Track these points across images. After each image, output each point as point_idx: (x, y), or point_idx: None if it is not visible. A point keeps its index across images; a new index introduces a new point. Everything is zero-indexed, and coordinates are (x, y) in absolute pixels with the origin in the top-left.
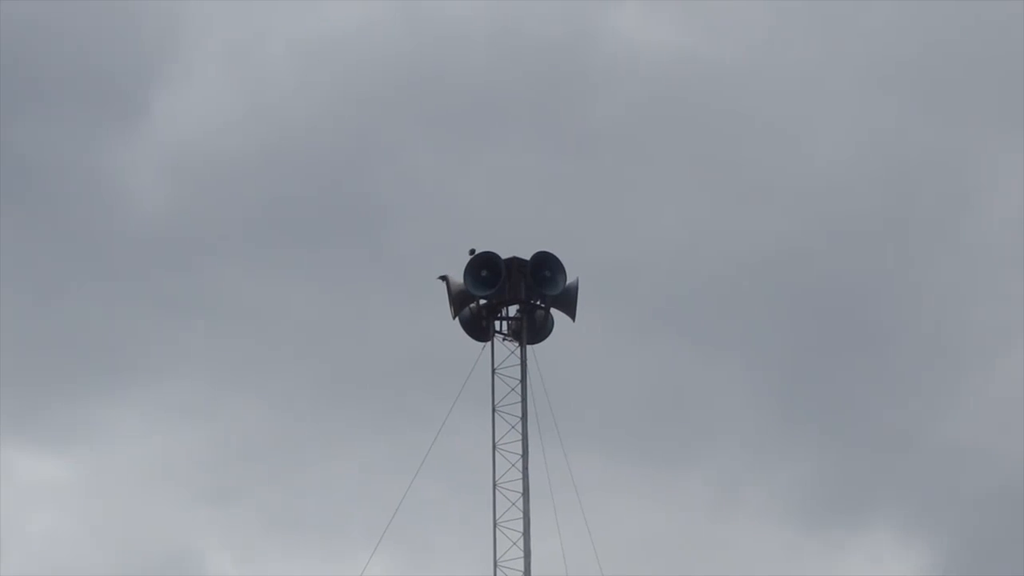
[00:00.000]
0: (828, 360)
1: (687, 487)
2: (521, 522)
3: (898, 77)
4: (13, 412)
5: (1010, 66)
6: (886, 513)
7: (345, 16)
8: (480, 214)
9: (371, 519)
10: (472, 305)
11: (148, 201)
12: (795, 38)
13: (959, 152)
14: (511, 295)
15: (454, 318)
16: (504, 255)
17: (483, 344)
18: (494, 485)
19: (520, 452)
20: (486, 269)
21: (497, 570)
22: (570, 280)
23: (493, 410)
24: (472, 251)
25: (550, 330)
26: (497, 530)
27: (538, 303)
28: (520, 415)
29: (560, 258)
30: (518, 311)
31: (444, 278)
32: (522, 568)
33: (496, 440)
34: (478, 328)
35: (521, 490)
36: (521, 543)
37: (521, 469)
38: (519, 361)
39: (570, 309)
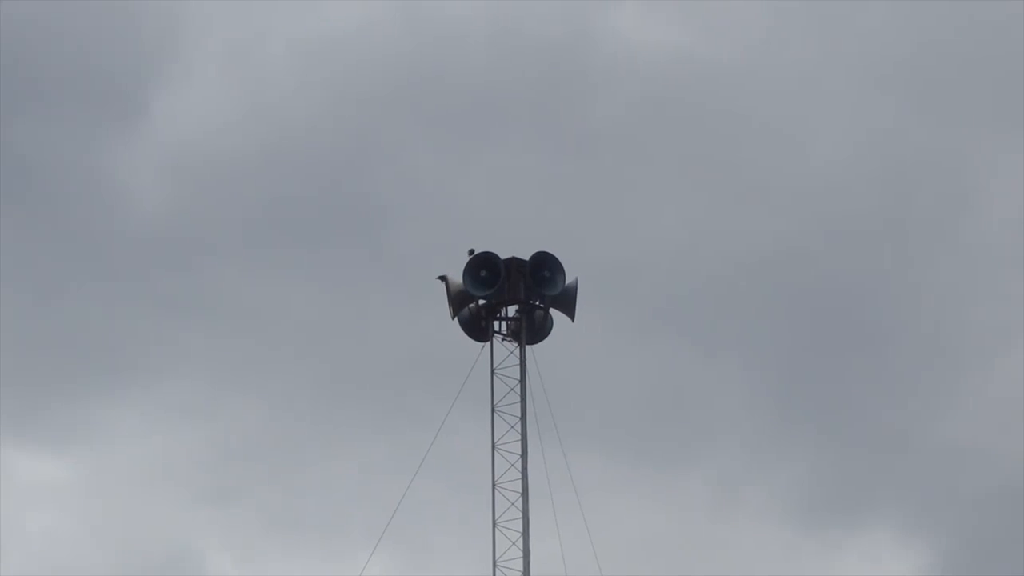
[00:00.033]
0: (827, 360)
1: (686, 487)
2: (520, 522)
3: (896, 77)
4: (13, 412)
5: (1008, 66)
6: (885, 513)
7: (345, 16)
8: (479, 214)
9: (371, 519)
10: (471, 305)
11: (148, 201)
12: (793, 38)
13: (957, 152)
14: (510, 295)
15: (453, 318)
16: (503, 255)
17: (482, 344)
18: (493, 485)
19: (519, 452)
20: (485, 269)
21: (496, 570)
22: (569, 280)
23: (492, 410)
24: (471, 251)
25: (549, 330)
26: (496, 530)
27: (537, 303)
28: (519, 415)
29: (559, 258)
30: (517, 311)
31: (443, 278)
32: (521, 568)
33: (495, 440)
34: (477, 328)
35: (520, 490)
36: (520, 543)
37: (520, 469)
38: (518, 361)
39: (569, 309)
